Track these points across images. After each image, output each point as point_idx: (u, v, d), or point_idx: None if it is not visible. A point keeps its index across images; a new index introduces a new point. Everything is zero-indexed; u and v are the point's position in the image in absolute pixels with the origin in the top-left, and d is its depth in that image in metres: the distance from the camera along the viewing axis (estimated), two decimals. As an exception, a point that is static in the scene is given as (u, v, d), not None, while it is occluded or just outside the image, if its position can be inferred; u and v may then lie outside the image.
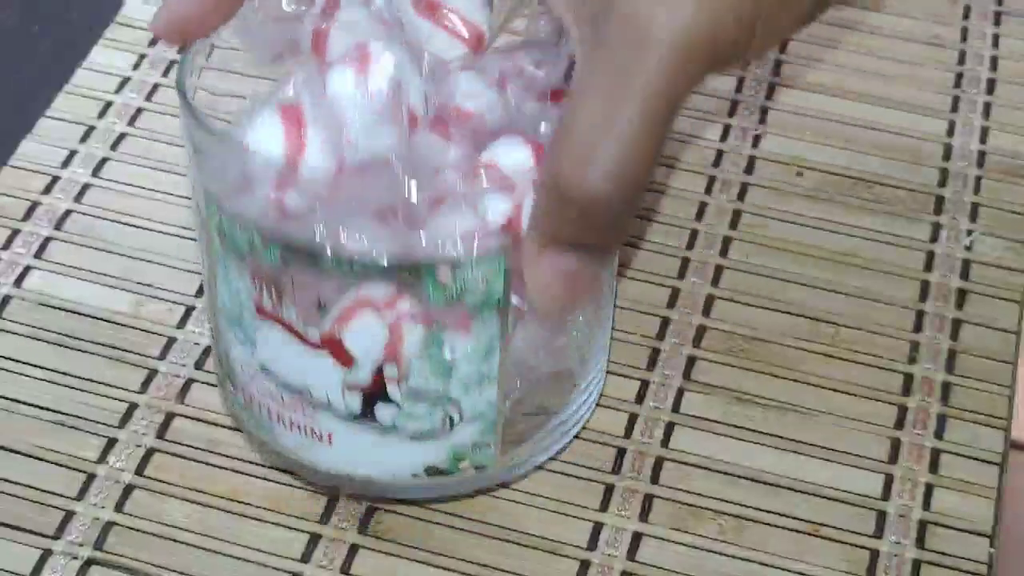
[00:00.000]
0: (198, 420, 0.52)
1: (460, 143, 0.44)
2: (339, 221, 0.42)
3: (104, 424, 0.51)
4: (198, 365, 0.53)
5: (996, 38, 0.65)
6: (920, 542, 0.49)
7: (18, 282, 0.55)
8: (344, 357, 0.44)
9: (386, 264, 0.42)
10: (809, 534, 0.49)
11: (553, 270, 0.40)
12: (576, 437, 0.50)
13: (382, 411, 0.45)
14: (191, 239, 0.57)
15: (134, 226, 0.57)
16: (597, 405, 0.51)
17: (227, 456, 0.51)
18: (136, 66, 0.63)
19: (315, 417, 0.46)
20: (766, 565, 0.49)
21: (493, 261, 0.43)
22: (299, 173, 0.43)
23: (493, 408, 0.46)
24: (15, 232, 0.57)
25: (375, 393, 0.45)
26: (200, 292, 0.55)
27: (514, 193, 0.42)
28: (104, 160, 0.59)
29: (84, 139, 0.60)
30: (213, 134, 0.44)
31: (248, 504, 0.49)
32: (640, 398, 0.52)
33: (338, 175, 0.43)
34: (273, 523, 0.49)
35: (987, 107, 0.62)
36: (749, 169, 0.60)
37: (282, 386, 0.46)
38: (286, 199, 0.42)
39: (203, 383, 0.52)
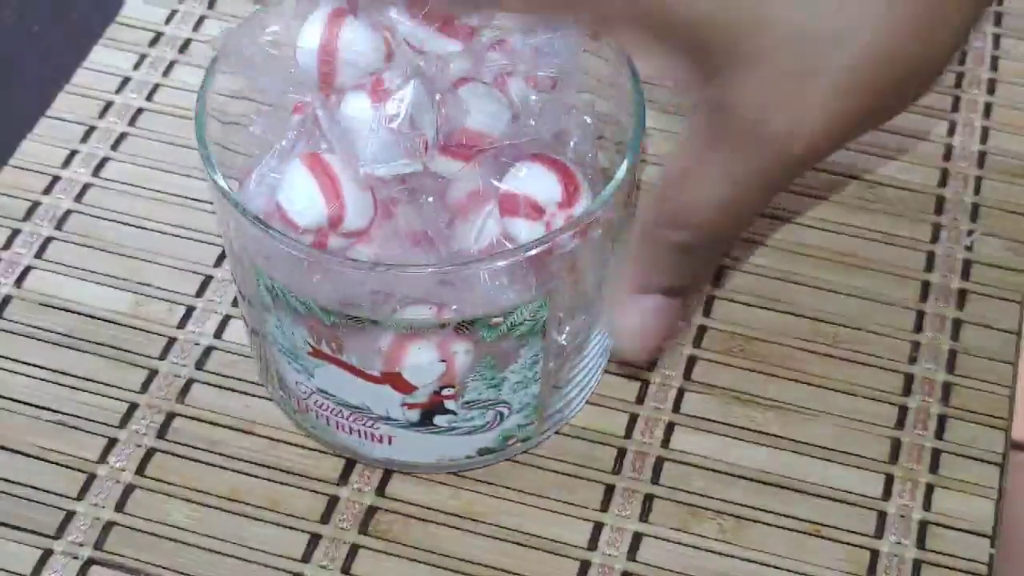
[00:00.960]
0: (198, 420, 0.52)
1: (479, 164, 0.46)
2: (382, 256, 0.45)
3: (104, 424, 0.51)
4: (198, 365, 0.53)
5: (996, 38, 0.65)
6: (920, 542, 0.49)
7: (18, 282, 0.55)
8: (403, 386, 0.46)
9: (442, 324, 0.45)
10: (809, 534, 0.49)
11: (642, 310, 0.43)
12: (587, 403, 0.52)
13: (439, 419, 0.48)
14: (191, 239, 0.57)
15: (134, 226, 0.57)
16: (593, 404, 0.52)
17: (227, 456, 0.51)
18: (137, 66, 0.63)
19: (375, 425, 0.48)
20: (766, 565, 0.49)
21: (540, 301, 0.45)
22: (342, 226, 0.45)
23: (537, 398, 0.48)
24: (15, 232, 0.57)
25: (433, 408, 0.47)
26: (200, 292, 0.55)
27: (543, 217, 0.45)
28: (105, 160, 0.59)
29: (85, 139, 0.60)
30: (259, 225, 0.44)
31: (248, 504, 0.50)
32: (640, 398, 0.53)
33: (375, 219, 0.45)
34: (273, 523, 0.49)
35: (987, 107, 0.62)
36: (749, 169, 0.60)
37: (341, 403, 0.48)
38: (329, 243, 0.45)
39: (203, 383, 0.52)
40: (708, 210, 0.40)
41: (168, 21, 0.64)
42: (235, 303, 0.55)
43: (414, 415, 0.47)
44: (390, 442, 0.49)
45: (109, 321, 0.54)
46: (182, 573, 0.48)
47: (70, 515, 0.49)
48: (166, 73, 0.62)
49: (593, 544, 0.49)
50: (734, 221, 0.41)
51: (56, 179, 0.58)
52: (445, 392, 0.47)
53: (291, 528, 0.49)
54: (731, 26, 0.39)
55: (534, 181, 0.45)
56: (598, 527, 0.49)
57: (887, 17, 0.38)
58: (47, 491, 0.50)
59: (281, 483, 0.50)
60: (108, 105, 0.61)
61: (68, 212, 0.57)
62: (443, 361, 0.46)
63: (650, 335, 0.43)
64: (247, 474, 0.50)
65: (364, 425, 0.48)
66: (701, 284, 0.46)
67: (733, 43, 0.39)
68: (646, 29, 0.40)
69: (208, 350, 0.53)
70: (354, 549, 0.49)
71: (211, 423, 0.52)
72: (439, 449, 0.49)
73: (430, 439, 0.48)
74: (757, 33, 0.38)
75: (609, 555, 0.49)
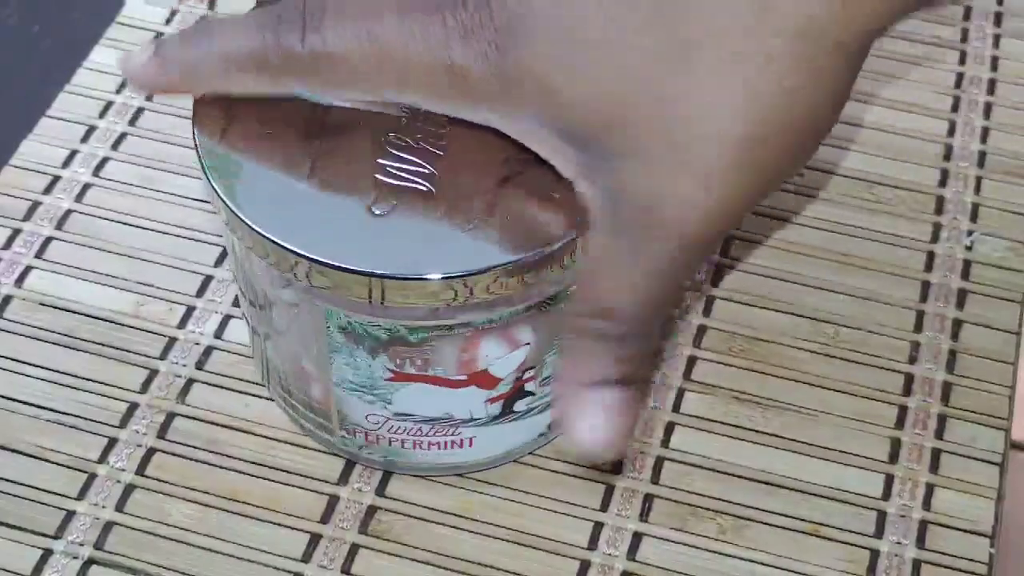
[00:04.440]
0: (198, 420, 0.52)
1: None
2: None
3: (105, 424, 0.51)
4: (198, 365, 0.53)
5: (996, 38, 0.65)
6: (920, 542, 0.49)
7: (19, 282, 0.55)
8: (488, 382, 0.46)
9: (528, 307, 0.44)
10: (809, 534, 0.49)
11: (597, 407, 0.41)
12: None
13: (519, 404, 0.47)
14: (191, 239, 0.57)
15: (135, 226, 0.57)
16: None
17: (227, 456, 0.51)
18: (136, 66, 0.63)
19: (456, 431, 0.48)
20: (766, 565, 0.49)
21: None
22: None
23: None
24: (16, 232, 0.57)
25: (514, 395, 0.47)
26: (200, 292, 0.55)
27: None
28: (105, 160, 0.59)
29: (85, 139, 0.60)
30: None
31: (248, 504, 0.50)
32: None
33: None
34: (273, 523, 0.49)
35: (988, 107, 0.62)
36: (749, 169, 0.60)
37: (422, 421, 0.47)
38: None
39: (203, 383, 0.52)
40: (626, 298, 0.40)
41: (168, 21, 0.64)
42: (235, 303, 0.55)
43: (496, 408, 0.47)
44: (472, 444, 0.48)
45: (109, 321, 0.54)
46: (182, 573, 0.48)
47: (70, 515, 0.49)
48: (166, 73, 0.62)
49: (593, 544, 0.49)
50: (654, 306, 0.40)
51: (56, 179, 0.58)
52: (527, 375, 0.46)
53: (291, 528, 0.49)
54: (602, 113, 0.38)
55: None
56: (598, 527, 0.49)
57: (745, 101, 0.37)
58: (47, 491, 0.50)
59: (281, 483, 0.50)
60: (108, 105, 0.61)
61: (68, 212, 0.57)
62: (527, 344, 0.45)
63: (613, 432, 0.41)
64: (247, 474, 0.50)
65: (445, 435, 0.48)
66: (648, 369, 0.44)
67: (606, 130, 0.38)
68: (540, 121, 0.39)
69: (208, 350, 0.53)
70: (354, 549, 0.49)
71: (211, 423, 0.52)
72: (517, 436, 0.49)
73: (508, 428, 0.48)
74: (626, 122, 0.38)
75: (609, 555, 0.49)
